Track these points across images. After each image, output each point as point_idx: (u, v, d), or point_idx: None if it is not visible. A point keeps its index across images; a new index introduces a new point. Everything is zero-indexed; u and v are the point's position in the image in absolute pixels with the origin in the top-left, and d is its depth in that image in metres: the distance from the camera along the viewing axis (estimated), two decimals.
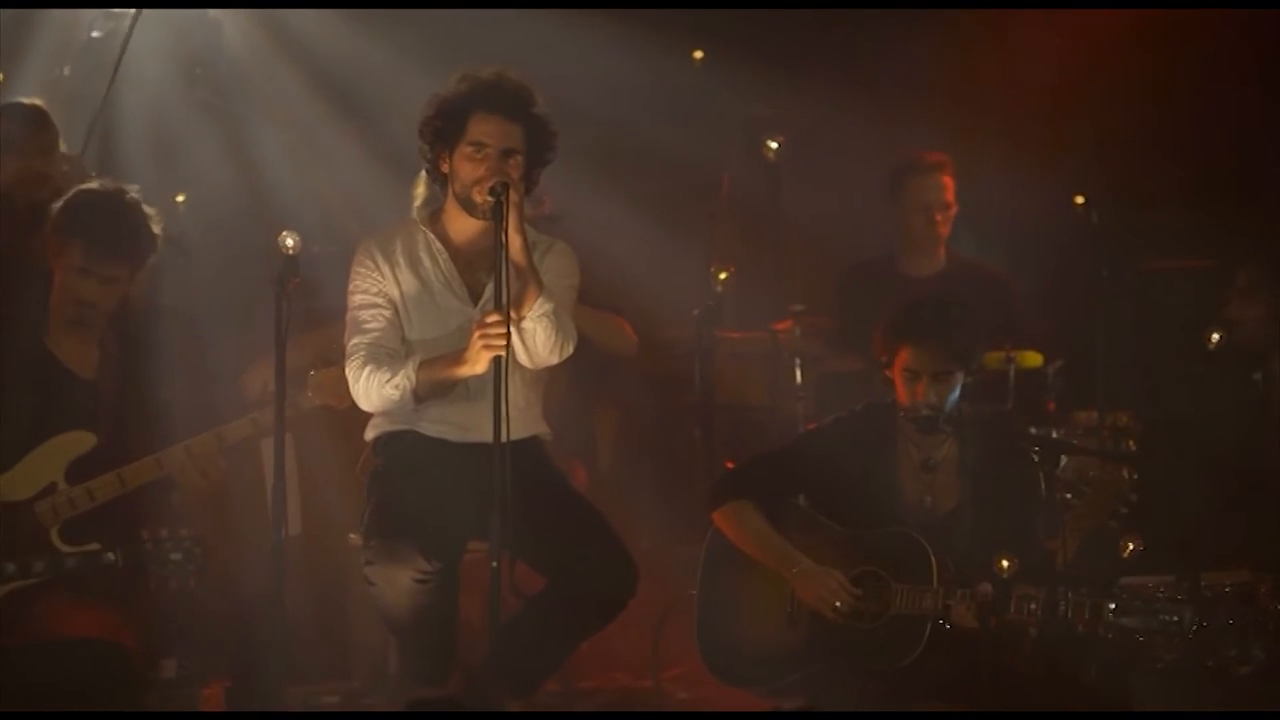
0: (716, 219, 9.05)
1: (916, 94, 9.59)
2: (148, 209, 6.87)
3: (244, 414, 6.79)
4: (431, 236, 6.66)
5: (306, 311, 6.97)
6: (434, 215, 6.72)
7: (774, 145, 9.06)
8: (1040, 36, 9.39)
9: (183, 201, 7.26)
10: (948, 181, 8.71)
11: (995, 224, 9.13)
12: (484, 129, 6.51)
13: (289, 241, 6.34)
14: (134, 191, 6.90)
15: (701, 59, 9.78)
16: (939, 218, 8.71)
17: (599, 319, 8.12)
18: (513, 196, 6.36)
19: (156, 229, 6.87)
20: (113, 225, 6.79)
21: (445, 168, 6.60)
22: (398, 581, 6.36)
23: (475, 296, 6.64)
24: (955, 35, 9.48)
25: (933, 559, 6.67)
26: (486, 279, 6.55)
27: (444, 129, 6.55)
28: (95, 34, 8.62)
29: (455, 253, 6.66)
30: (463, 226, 6.64)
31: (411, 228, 6.70)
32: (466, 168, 6.53)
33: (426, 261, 6.65)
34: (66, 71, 8.67)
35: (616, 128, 9.46)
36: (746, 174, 9.37)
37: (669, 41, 9.52)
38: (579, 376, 8.20)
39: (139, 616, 6.63)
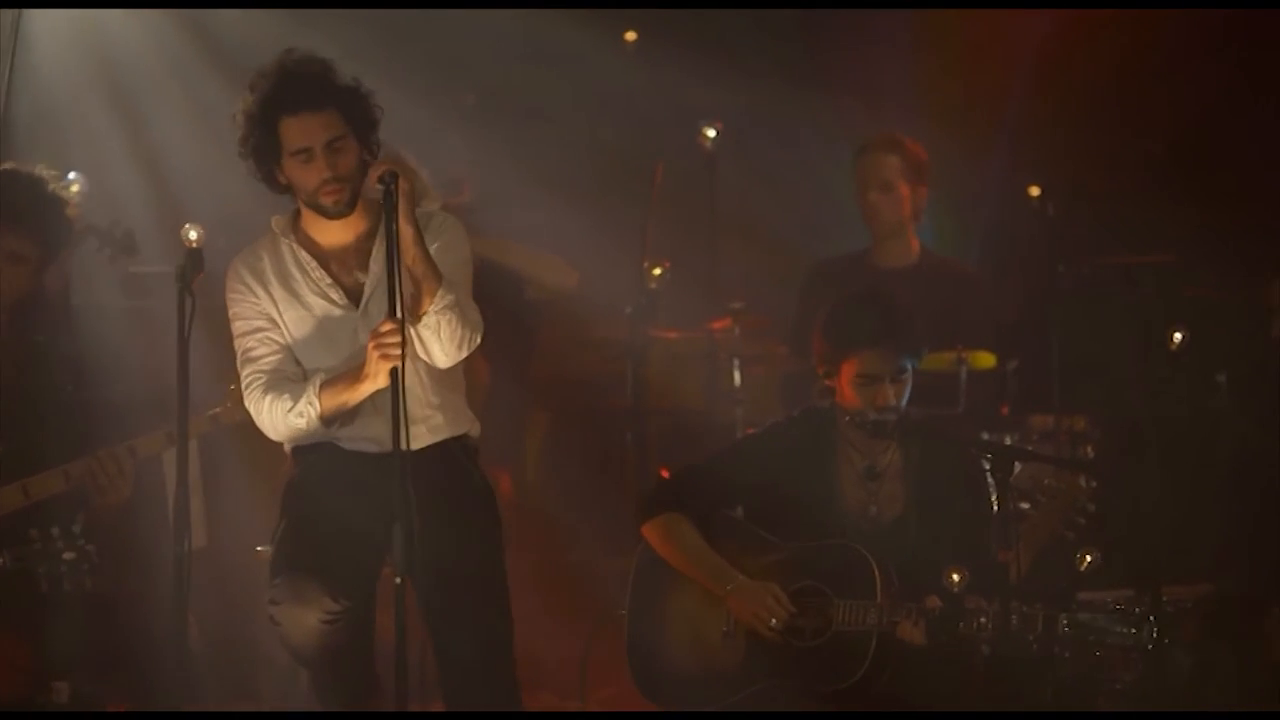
0: (650, 211, 8.90)
1: (863, 80, 9.53)
2: (61, 192, 6.67)
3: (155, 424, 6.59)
4: (296, 246, 6.34)
5: (211, 308, 6.64)
6: (293, 220, 6.40)
7: (711, 133, 8.98)
8: (995, 24, 9.32)
9: (76, 190, 7.04)
10: (893, 161, 8.49)
11: (948, 217, 9.02)
12: (299, 132, 6.15)
13: (192, 234, 6.11)
14: (39, 170, 6.68)
15: (634, 41, 9.72)
16: (876, 198, 8.48)
17: (534, 257, 8.08)
18: (403, 185, 6.04)
19: (72, 213, 6.68)
20: (21, 200, 6.58)
21: (282, 179, 6.27)
22: (304, 623, 6.15)
23: (356, 298, 6.32)
24: (907, 23, 9.45)
25: (876, 572, 6.52)
26: (364, 276, 6.28)
27: (260, 145, 6.21)
28: None
29: (324, 257, 6.34)
30: (325, 227, 6.33)
31: (274, 240, 6.40)
32: (302, 175, 6.20)
33: (297, 274, 6.33)
34: None
35: (543, 114, 9.47)
36: (682, 163, 9.24)
37: (601, 25, 9.42)
38: (500, 360, 8.04)
39: (28, 634, 6.43)
